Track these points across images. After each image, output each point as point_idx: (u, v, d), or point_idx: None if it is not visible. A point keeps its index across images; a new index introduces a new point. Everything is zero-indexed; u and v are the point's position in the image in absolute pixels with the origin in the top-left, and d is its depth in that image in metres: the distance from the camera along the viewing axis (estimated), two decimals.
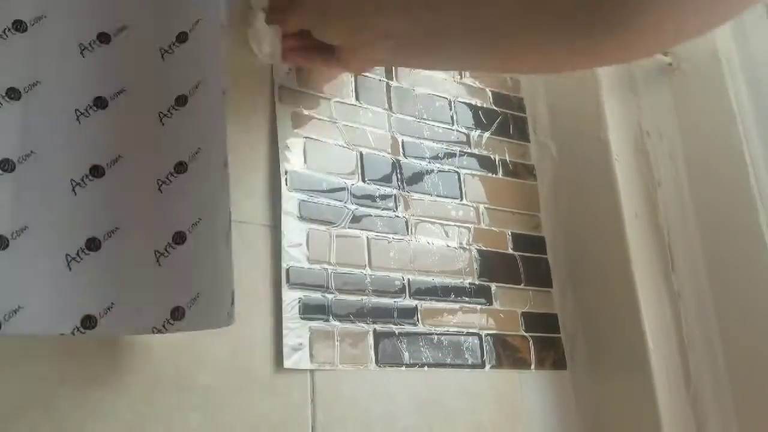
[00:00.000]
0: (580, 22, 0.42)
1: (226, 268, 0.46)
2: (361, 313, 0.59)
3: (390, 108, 0.69)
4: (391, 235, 0.63)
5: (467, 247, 0.68)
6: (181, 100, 0.49)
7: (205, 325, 0.45)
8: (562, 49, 0.45)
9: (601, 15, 0.41)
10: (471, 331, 0.65)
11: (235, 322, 0.46)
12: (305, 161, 0.61)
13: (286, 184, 0.58)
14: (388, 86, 0.70)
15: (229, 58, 0.57)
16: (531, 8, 0.44)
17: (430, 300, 0.63)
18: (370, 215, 0.63)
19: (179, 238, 0.45)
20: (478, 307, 0.67)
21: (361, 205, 0.63)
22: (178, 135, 0.48)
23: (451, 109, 0.74)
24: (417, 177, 0.68)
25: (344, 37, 0.55)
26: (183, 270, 0.45)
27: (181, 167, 0.47)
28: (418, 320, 0.62)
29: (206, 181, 0.48)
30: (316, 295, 0.57)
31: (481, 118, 0.76)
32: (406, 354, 0.60)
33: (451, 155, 0.71)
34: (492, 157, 0.75)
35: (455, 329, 0.64)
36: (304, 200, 0.59)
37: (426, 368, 0.61)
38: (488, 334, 0.66)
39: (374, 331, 0.59)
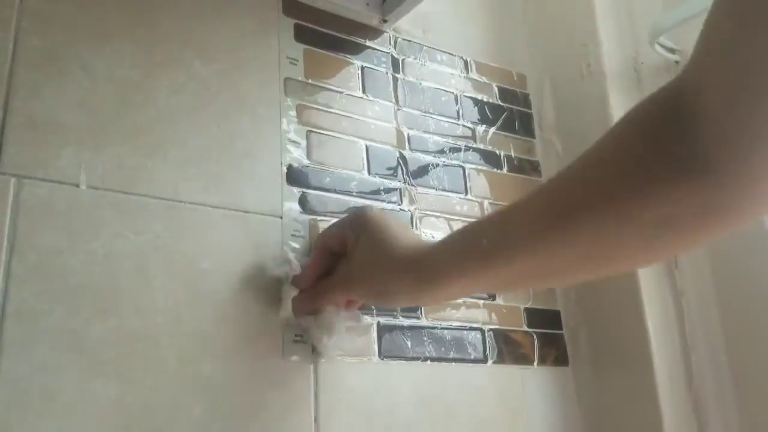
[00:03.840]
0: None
1: None
2: (365, 306, 0.59)
3: (396, 101, 0.69)
4: None
5: None
6: None
7: None
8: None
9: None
10: (474, 326, 0.65)
11: None
12: (309, 154, 0.60)
13: (289, 176, 0.58)
14: (395, 79, 0.69)
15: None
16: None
17: None
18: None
19: None
20: (481, 302, 0.67)
21: (366, 199, 0.63)
22: None
23: (457, 104, 0.73)
24: (422, 171, 0.68)
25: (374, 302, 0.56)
26: None
27: None
28: (421, 314, 0.62)
29: None
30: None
31: (487, 114, 0.76)
32: (410, 347, 0.60)
33: (457, 150, 0.71)
34: (497, 152, 0.75)
35: (458, 324, 0.64)
36: (307, 192, 0.59)
37: (429, 362, 0.61)
38: (491, 330, 0.66)
39: (378, 324, 0.59)
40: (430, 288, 0.47)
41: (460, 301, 0.65)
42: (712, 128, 0.32)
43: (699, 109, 0.33)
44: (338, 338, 0.53)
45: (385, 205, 0.63)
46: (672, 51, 0.73)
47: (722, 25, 0.32)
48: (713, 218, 0.35)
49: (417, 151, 0.68)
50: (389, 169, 0.65)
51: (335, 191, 0.61)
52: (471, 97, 0.75)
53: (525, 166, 0.76)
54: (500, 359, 0.65)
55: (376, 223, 0.51)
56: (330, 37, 0.66)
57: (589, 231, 0.38)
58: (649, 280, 0.68)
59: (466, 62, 0.76)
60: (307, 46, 0.64)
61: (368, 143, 0.65)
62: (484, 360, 0.64)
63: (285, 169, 0.58)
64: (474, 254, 0.44)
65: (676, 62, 0.74)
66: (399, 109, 0.68)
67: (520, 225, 0.42)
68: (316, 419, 0.53)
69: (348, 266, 0.51)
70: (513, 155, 0.76)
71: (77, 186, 0.48)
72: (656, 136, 0.35)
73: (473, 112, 0.75)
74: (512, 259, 0.42)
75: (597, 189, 0.37)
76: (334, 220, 0.59)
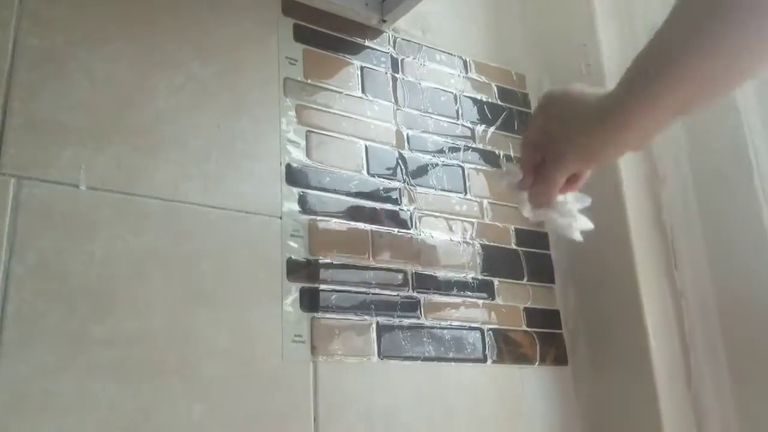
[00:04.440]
0: None
1: None
2: (364, 306, 0.59)
3: (396, 101, 0.69)
4: (395, 229, 0.63)
5: (470, 242, 0.68)
6: None
7: None
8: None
9: None
10: (473, 325, 0.65)
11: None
12: (309, 154, 0.60)
13: (288, 177, 0.58)
14: (395, 79, 0.69)
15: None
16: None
17: (433, 293, 0.63)
18: (374, 208, 0.63)
19: None
20: (480, 302, 0.67)
21: (365, 198, 0.63)
22: None
23: (456, 104, 0.73)
24: (422, 171, 0.68)
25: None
26: None
27: None
28: (421, 314, 0.62)
29: None
30: (317, 288, 0.57)
31: (486, 113, 0.76)
32: (409, 347, 0.60)
33: (456, 149, 0.71)
34: (496, 152, 0.75)
35: (458, 323, 0.64)
36: (306, 192, 0.59)
37: (428, 362, 0.61)
38: (490, 329, 0.66)
39: (377, 323, 0.59)
40: (632, 130, 0.48)
41: (459, 300, 0.65)
42: None
43: None
44: (579, 219, 0.56)
45: (384, 204, 0.63)
46: None
47: None
48: None
49: (416, 150, 0.68)
50: (389, 169, 0.65)
51: (335, 191, 0.61)
52: (470, 97, 0.75)
53: None
54: (500, 359, 0.66)
55: (557, 96, 0.54)
56: (329, 37, 0.66)
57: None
58: (648, 280, 0.68)
59: (465, 62, 0.76)
60: (307, 46, 0.64)
61: (368, 143, 0.65)
62: (484, 359, 0.64)
63: (284, 170, 0.58)
64: (649, 80, 0.46)
65: None
66: (398, 109, 0.68)
67: (681, 29, 0.44)
68: (315, 419, 0.53)
69: (552, 144, 0.53)
70: (512, 155, 0.76)
71: (77, 186, 0.48)
72: None
73: (472, 112, 0.75)
74: (686, 62, 0.44)
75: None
76: (334, 220, 0.59)
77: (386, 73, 0.69)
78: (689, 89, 0.45)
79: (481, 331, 0.65)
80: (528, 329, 0.69)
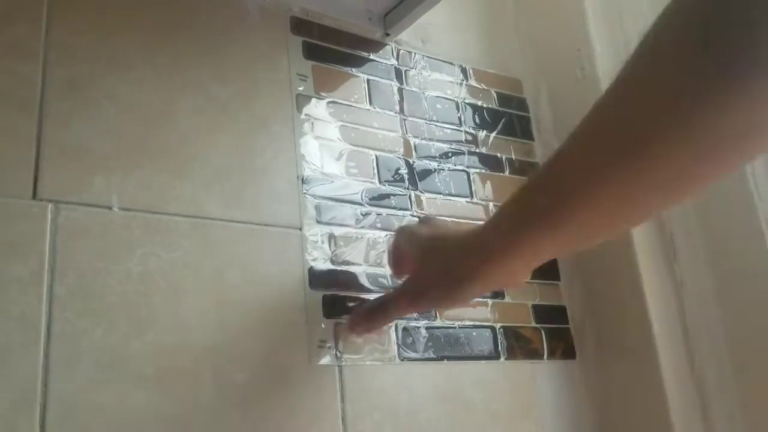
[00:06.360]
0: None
1: None
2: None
3: (402, 111, 0.71)
4: None
5: None
6: None
7: None
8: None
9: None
10: (485, 324, 0.68)
11: None
12: (323, 165, 0.63)
13: (305, 189, 0.61)
14: (399, 90, 0.72)
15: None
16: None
17: None
18: (387, 215, 0.65)
19: None
20: (491, 301, 0.69)
21: (378, 206, 0.65)
22: None
23: (458, 111, 0.76)
24: (429, 177, 0.71)
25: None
26: None
27: None
28: (435, 315, 0.65)
29: None
30: (338, 295, 0.60)
31: (487, 119, 0.78)
32: (427, 348, 0.63)
33: (460, 155, 0.74)
34: (498, 156, 0.78)
35: (470, 323, 0.67)
36: (322, 203, 0.62)
37: (445, 361, 0.64)
38: (501, 327, 0.69)
39: (396, 326, 0.62)
40: (499, 266, 0.45)
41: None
42: None
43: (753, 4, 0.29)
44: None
45: (396, 211, 0.66)
46: None
47: None
48: None
49: (423, 158, 0.71)
50: (398, 176, 0.68)
51: (349, 201, 0.63)
52: (471, 104, 0.78)
53: (526, 168, 0.79)
54: (512, 355, 0.68)
55: (426, 230, 0.52)
56: (336, 53, 0.69)
57: (658, 152, 0.35)
58: (649, 272, 0.71)
59: (464, 70, 0.79)
60: (316, 63, 0.67)
61: (377, 153, 0.67)
62: (497, 356, 0.67)
63: (301, 182, 0.61)
64: (534, 217, 0.41)
65: None
66: (405, 119, 0.71)
67: (577, 169, 0.39)
68: (343, 420, 0.56)
69: (412, 277, 0.52)
70: (514, 158, 0.79)
71: (110, 208, 0.51)
72: (713, 38, 0.31)
73: (474, 118, 0.77)
74: (575, 210, 0.39)
75: (654, 102, 0.34)
76: (350, 228, 0.62)
77: (391, 84, 0.72)
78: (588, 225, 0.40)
79: (493, 329, 0.68)
80: (537, 325, 0.72)
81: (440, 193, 0.71)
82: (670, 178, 0.36)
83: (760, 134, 0.33)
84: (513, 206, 0.44)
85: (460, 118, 0.76)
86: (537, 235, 0.42)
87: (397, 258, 0.57)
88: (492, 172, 0.76)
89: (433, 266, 0.49)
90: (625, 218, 0.42)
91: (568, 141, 0.40)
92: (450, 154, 0.73)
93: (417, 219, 0.58)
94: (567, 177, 0.39)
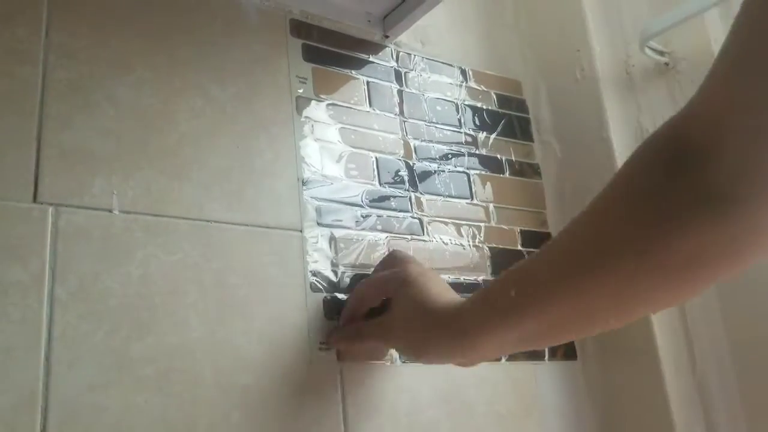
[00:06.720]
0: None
1: None
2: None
3: (401, 113, 0.71)
4: (408, 235, 0.66)
5: (480, 245, 0.71)
6: None
7: None
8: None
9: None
10: None
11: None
12: (323, 168, 0.63)
13: (305, 191, 0.61)
14: (399, 92, 0.72)
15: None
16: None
17: None
18: (388, 217, 0.65)
19: None
20: None
21: (378, 208, 0.65)
22: None
23: (458, 113, 0.76)
24: (429, 179, 0.71)
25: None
26: None
27: None
28: None
29: None
30: (339, 296, 0.60)
31: (487, 120, 0.79)
32: None
33: (460, 156, 0.74)
34: (498, 157, 0.78)
35: None
36: (322, 205, 0.62)
37: None
38: None
39: None
40: (464, 347, 0.48)
41: None
42: (735, 159, 0.33)
43: (718, 141, 0.33)
44: None
45: (396, 213, 0.66)
46: (661, 53, 0.77)
47: (745, 56, 0.32)
48: (739, 248, 0.36)
49: (423, 160, 0.71)
50: (398, 178, 0.68)
51: (350, 203, 0.63)
52: (471, 105, 0.78)
53: (526, 169, 0.79)
54: (513, 355, 0.68)
55: (416, 281, 0.53)
56: (336, 55, 0.69)
57: (613, 275, 0.38)
58: None
59: (464, 71, 0.79)
60: (315, 65, 0.67)
61: (377, 155, 0.67)
62: (499, 357, 0.67)
63: (301, 184, 0.61)
64: (503, 307, 0.44)
65: (666, 64, 0.77)
66: (404, 121, 0.71)
67: (546, 273, 0.42)
68: (345, 421, 0.56)
69: (388, 317, 0.54)
70: (514, 159, 0.79)
71: (110, 211, 0.51)
72: (674, 170, 0.35)
73: (474, 120, 0.77)
74: (540, 310, 0.42)
75: (615, 230, 0.38)
76: (351, 230, 0.62)
77: (391, 86, 0.72)
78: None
79: None
80: None
81: (440, 195, 0.71)
82: (626, 299, 0.39)
83: (716, 259, 0.36)
84: (488, 295, 0.47)
85: (459, 120, 0.76)
86: (503, 326, 0.45)
87: (369, 298, 0.57)
88: (492, 174, 0.76)
89: (413, 332, 0.52)
90: (588, 325, 0.44)
91: (542, 248, 0.43)
92: (450, 156, 0.73)
93: (410, 260, 0.58)
94: (536, 279, 0.43)
